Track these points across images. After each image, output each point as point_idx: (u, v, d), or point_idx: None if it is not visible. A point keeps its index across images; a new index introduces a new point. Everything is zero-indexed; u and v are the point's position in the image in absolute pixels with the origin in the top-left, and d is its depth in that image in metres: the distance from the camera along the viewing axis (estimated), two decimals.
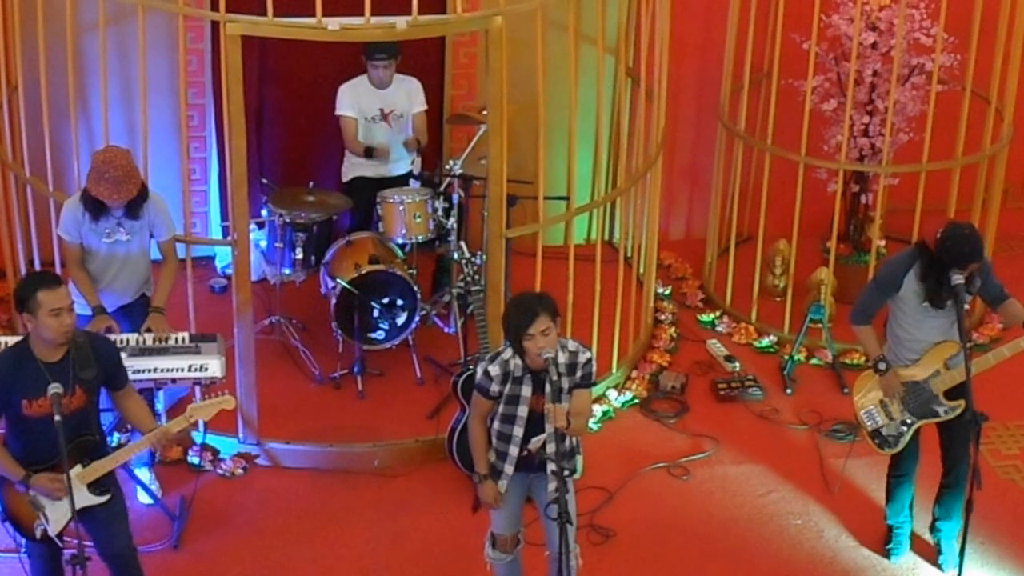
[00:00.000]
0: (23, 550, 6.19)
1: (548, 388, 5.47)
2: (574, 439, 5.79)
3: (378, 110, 7.90)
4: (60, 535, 5.62)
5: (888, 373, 6.37)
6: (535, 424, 5.61)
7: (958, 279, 6.09)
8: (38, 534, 5.62)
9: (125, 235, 6.60)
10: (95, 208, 6.50)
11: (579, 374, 5.61)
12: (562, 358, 5.56)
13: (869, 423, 6.50)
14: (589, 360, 5.63)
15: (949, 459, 6.49)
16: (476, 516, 5.98)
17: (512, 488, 5.78)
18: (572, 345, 5.64)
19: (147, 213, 6.60)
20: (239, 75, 6.59)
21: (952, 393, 6.33)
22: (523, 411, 5.60)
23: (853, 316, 6.43)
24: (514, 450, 5.67)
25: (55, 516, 5.58)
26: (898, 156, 8.25)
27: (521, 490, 5.84)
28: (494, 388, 5.60)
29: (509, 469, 5.71)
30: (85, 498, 5.62)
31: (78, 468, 5.58)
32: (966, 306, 6.12)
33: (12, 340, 6.55)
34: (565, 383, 5.57)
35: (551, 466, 5.55)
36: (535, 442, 5.63)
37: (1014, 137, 8.34)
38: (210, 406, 5.79)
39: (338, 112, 7.90)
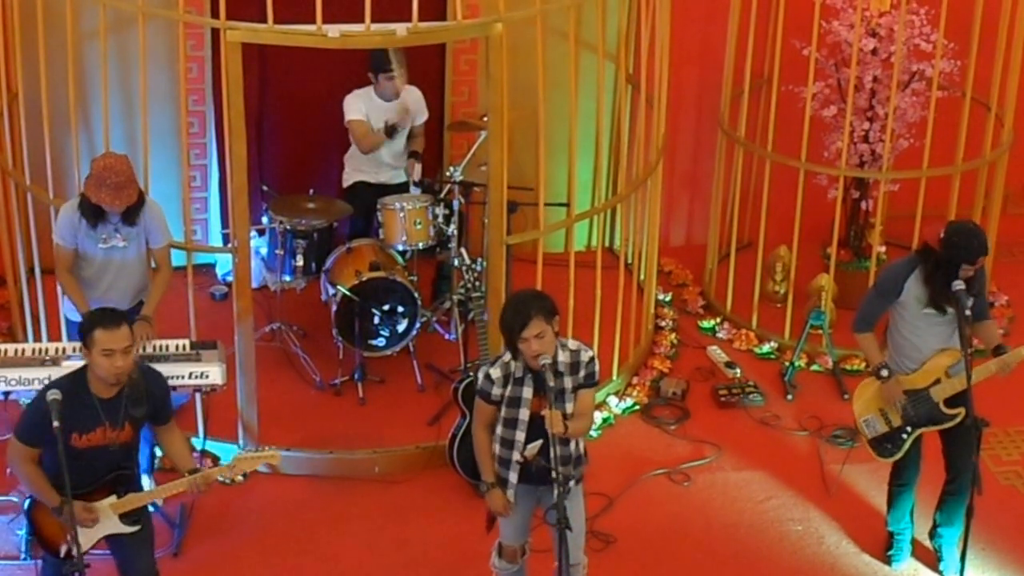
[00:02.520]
0: (24, 558, 6.22)
1: (547, 393, 5.44)
2: (581, 446, 5.77)
3: (383, 122, 7.90)
4: (82, 556, 5.62)
5: (890, 380, 6.37)
6: (537, 429, 5.57)
7: (959, 285, 6.10)
8: (62, 553, 5.62)
9: (121, 241, 6.59)
10: (93, 214, 6.50)
11: (582, 373, 5.58)
12: (563, 357, 5.53)
13: (869, 431, 6.49)
14: (592, 359, 5.59)
15: (953, 466, 6.48)
16: (476, 523, 5.97)
17: (521, 500, 5.76)
18: (573, 344, 5.61)
19: (143, 219, 6.60)
20: (239, 82, 6.59)
21: (952, 401, 6.33)
22: (524, 414, 5.58)
23: (855, 324, 6.43)
24: (517, 456, 5.65)
25: (81, 539, 5.55)
26: (898, 162, 8.25)
27: (530, 502, 5.82)
28: (495, 391, 5.58)
29: (513, 477, 5.69)
30: (115, 526, 5.65)
31: (112, 498, 5.60)
32: (967, 312, 6.12)
33: (12, 347, 6.62)
34: (568, 383, 5.55)
35: (560, 471, 5.52)
36: (530, 449, 5.60)
37: (1014, 143, 8.35)
38: (256, 459, 5.79)
39: (348, 118, 7.86)
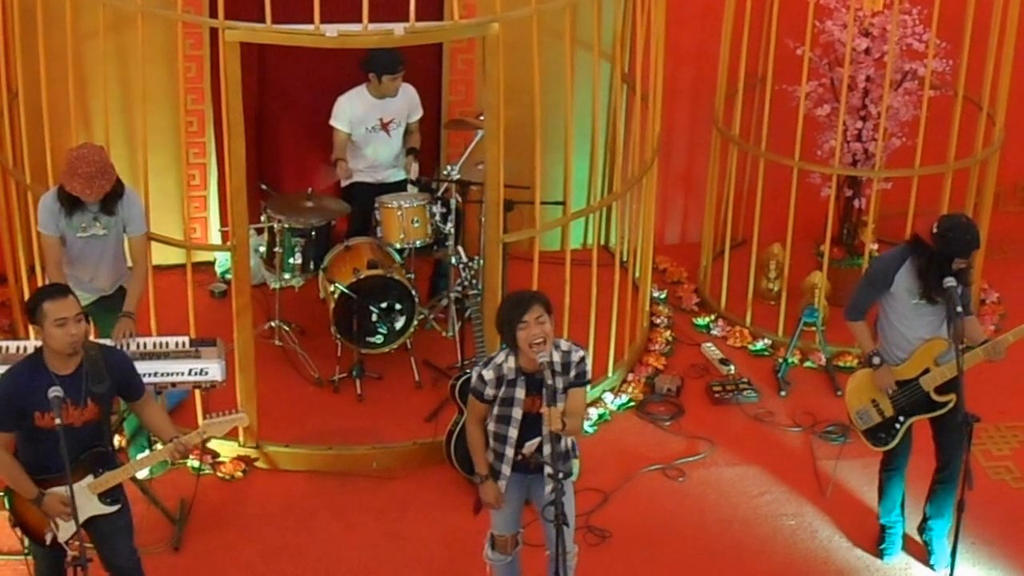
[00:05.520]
0: (26, 552, 6.25)
1: (544, 391, 5.51)
2: (569, 442, 5.83)
3: (377, 120, 7.95)
4: (67, 541, 5.67)
5: (882, 367, 6.42)
6: (530, 425, 5.66)
7: (951, 281, 6.15)
8: (47, 540, 5.67)
9: (101, 229, 6.62)
10: (70, 203, 6.51)
11: (573, 373, 5.65)
12: (555, 357, 5.59)
13: (862, 423, 6.55)
14: (583, 358, 5.67)
15: (944, 456, 6.53)
16: (474, 517, 6.03)
17: (511, 489, 5.83)
18: (565, 344, 5.68)
19: (122, 209, 6.62)
20: (238, 81, 6.63)
21: (943, 388, 6.39)
22: (517, 413, 5.65)
23: (847, 312, 6.49)
24: (509, 451, 5.72)
25: (64, 525, 5.62)
26: (891, 161, 8.31)
27: (520, 491, 5.90)
28: (488, 392, 5.65)
29: (506, 470, 5.76)
30: (95, 507, 5.68)
31: (90, 478, 5.64)
32: (958, 308, 6.17)
33: (13, 344, 6.67)
34: (560, 382, 5.61)
35: (548, 469, 5.60)
36: (529, 446, 5.67)
37: (1005, 141, 8.40)
38: (224, 423, 5.81)
39: (331, 123, 7.95)
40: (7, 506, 5.76)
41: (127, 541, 5.86)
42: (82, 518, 5.65)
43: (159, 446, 7.00)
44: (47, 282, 6.81)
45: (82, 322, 5.46)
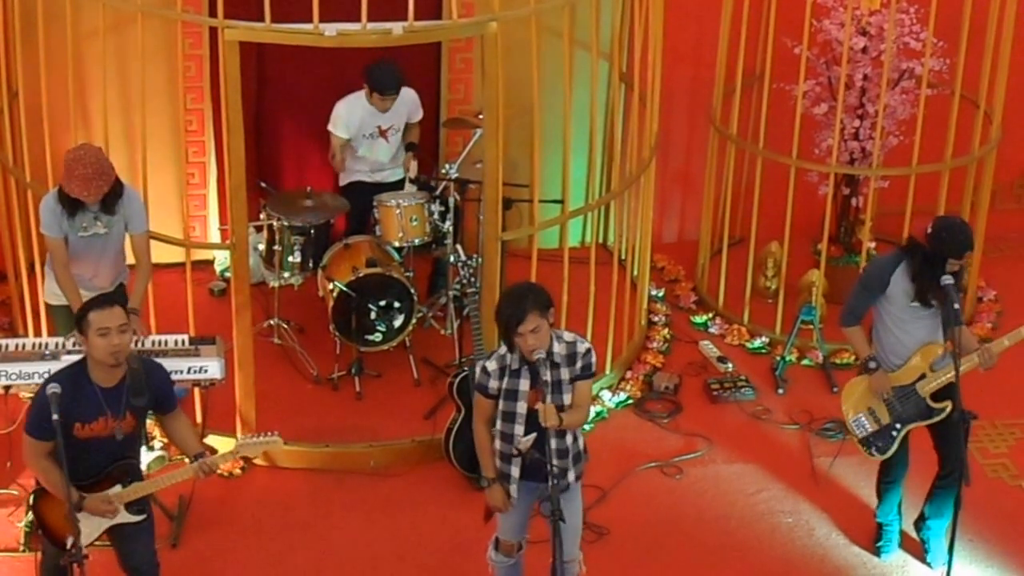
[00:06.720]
0: (23, 550, 6.29)
1: (541, 386, 5.50)
2: (580, 443, 5.82)
3: (376, 127, 7.96)
4: (80, 547, 5.68)
5: (878, 372, 6.44)
6: (535, 423, 5.60)
7: (948, 280, 6.17)
8: (68, 544, 5.68)
9: (103, 228, 6.64)
10: (71, 204, 6.53)
11: (579, 364, 5.61)
12: (559, 349, 5.57)
13: (859, 431, 6.55)
14: (588, 350, 5.63)
15: (947, 461, 6.52)
16: (472, 515, 6.04)
17: (522, 497, 5.80)
18: (569, 336, 5.64)
19: (122, 208, 6.63)
20: (237, 80, 6.65)
21: (939, 395, 6.40)
22: (521, 407, 5.61)
23: (843, 318, 6.50)
24: (516, 450, 5.69)
25: (87, 531, 5.63)
26: (888, 159, 8.33)
27: (531, 499, 5.86)
28: (492, 384, 5.62)
29: (515, 471, 5.73)
30: (121, 516, 5.70)
31: (117, 488, 5.66)
32: (956, 306, 6.19)
33: (12, 342, 6.69)
34: (565, 374, 5.59)
35: (551, 466, 5.56)
36: (525, 441, 5.63)
37: (1002, 140, 8.42)
38: (259, 444, 5.83)
39: (329, 128, 7.95)
40: (32, 509, 5.78)
41: (147, 543, 5.88)
42: (108, 524, 5.70)
43: (156, 443, 7.11)
44: (46, 282, 6.85)
45: (126, 333, 5.44)
